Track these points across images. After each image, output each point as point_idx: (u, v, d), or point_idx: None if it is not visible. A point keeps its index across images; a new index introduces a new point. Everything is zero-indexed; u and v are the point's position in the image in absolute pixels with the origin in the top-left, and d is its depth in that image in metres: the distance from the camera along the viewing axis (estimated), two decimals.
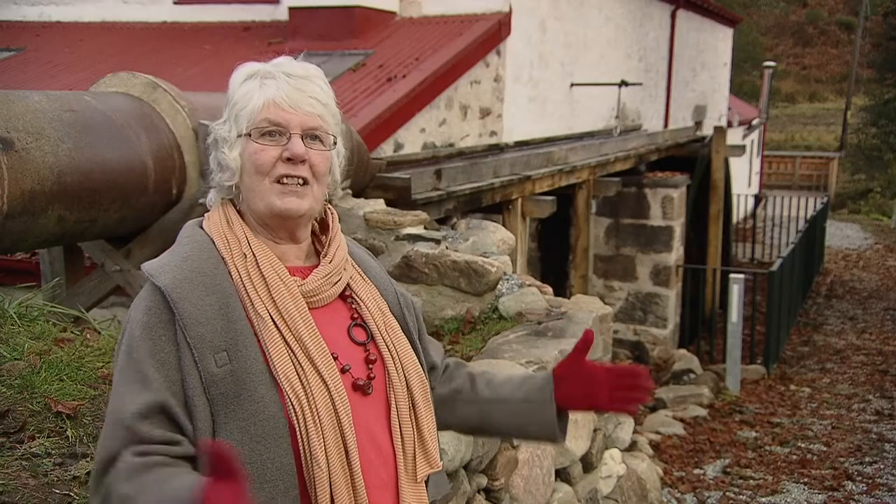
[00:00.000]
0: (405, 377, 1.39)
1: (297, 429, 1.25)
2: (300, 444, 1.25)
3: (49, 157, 3.14)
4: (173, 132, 3.85)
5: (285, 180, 1.32)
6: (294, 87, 1.33)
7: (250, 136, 1.33)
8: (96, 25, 10.47)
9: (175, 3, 10.20)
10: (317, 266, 1.40)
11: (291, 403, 1.25)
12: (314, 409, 1.26)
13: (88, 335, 2.92)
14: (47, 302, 3.21)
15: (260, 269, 1.32)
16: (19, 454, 1.99)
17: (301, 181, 1.33)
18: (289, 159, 1.32)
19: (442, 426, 1.58)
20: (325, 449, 1.25)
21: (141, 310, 1.28)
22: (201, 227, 1.38)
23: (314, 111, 1.34)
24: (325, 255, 1.41)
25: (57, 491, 1.86)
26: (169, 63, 8.51)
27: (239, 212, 1.39)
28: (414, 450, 1.37)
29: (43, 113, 3.24)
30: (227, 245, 1.34)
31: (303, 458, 1.25)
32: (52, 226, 3.22)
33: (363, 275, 1.47)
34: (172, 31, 9.95)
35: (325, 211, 1.46)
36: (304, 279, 1.36)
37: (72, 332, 2.91)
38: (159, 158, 3.74)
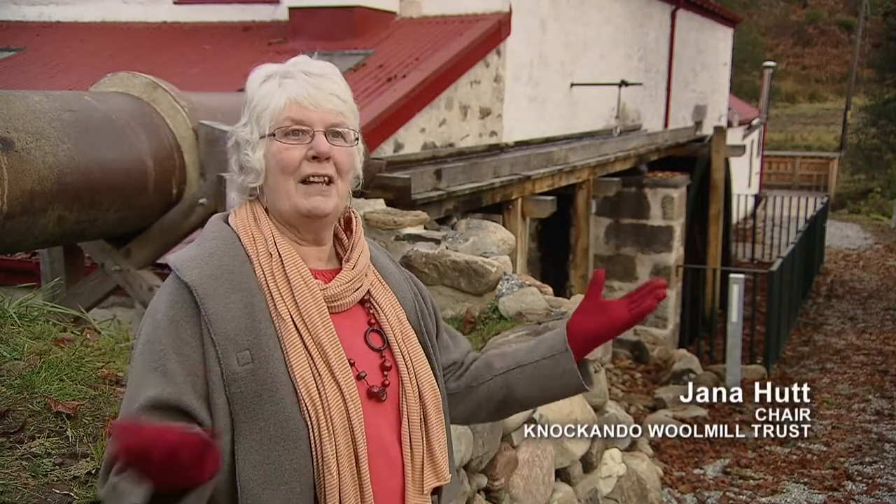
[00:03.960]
0: (418, 387, 1.38)
1: (311, 434, 1.25)
2: (312, 448, 1.25)
3: (49, 157, 3.14)
4: (173, 132, 3.85)
5: (312, 179, 1.33)
6: (314, 85, 1.34)
7: (274, 136, 1.33)
8: (96, 25, 10.47)
9: (175, 3, 10.20)
10: (338, 270, 1.40)
11: (306, 408, 1.25)
12: (328, 415, 1.26)
13: (88, 335, 2.91)
14: (47, 302, 3.20)
15: (284, 270, 1.32)
16: (19, 454, 1.98)
17: (326, 179, 1.34)
18: (314, 157, 1.32)
19: (471, 417, 1.59)
20: (336, 455, 1.25)
21: (166, 303, 1.28)
22: (227, 223, 1.38)
23: (335, 108, 1.35)
24: (349, 261, 1.41)
25: (57, 491, 1.86)
26: (169, 63, 8.51)
27: (265, 209, 1.38)
28: (423, 461, 1.36)
29: (43, 113, 3.24)
30: (254, 243, 1.34)
31: (314, 463, 1.25)
32: (52, 226, 3.23)
33: (383, 282, 1.46)
34: (172, 31, 9.95)
35: (350, 214, 1.46)
36: (326, 283, 1.36)
37: (72, 332, 2.90)
38: (159, 158, 3.74)
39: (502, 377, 1.55)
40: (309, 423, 1.25)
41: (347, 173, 1.37)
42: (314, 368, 1.28)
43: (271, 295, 1.30)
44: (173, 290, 1.29)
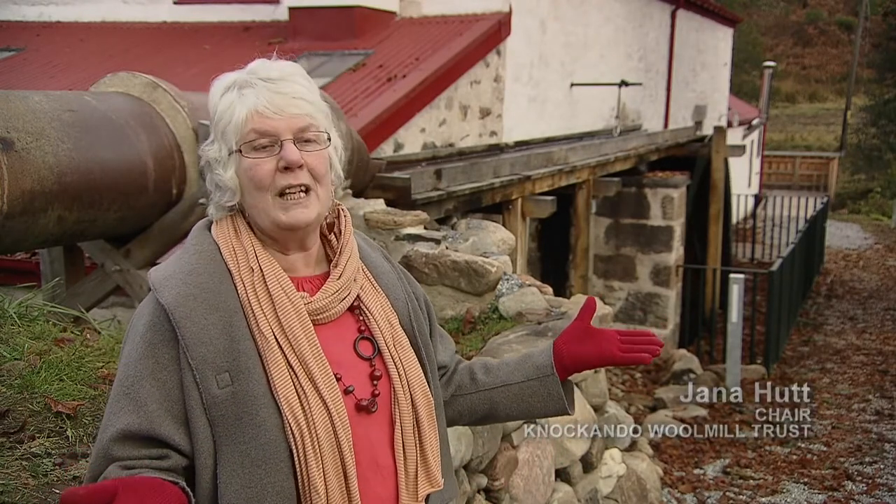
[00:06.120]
0: (410, 394, 1.35)
1: (296, 455, 1.23)
2: (298, 470, 1.23)
3: (49, 157, 3.14)
4: (173, 132, 3.85)
5: (288, 191, 1.28)
6: (274, 91, 1.27)
7: (241, 151, 1.28)
8: (96, 25, 10.48)
9: (175, 3, 10.20)
10: (327, 274, 1.37)
11: (291, 428, 1.22)
12: (314, 435, 1.23)
13: (88, 335, 2.92)
14: (47, 302, 3.20)
15: (266, 285, 1.28)
16: (19, 454, 1.98)
17: (303, 189, 1.29)
18: (286, 168, 1.27)
19: (451, 423, 1.58)
20: (324, 476, 1.23)
21: (144, 324, 1.26)
22: (210, 232, 1.35)
23: (300, 111, 1.28)
24: (336, 267, 1.37)
25: (57, 491, 1.86)
26: (169, 63, 8.51)
27: (246, 220, 1.35)
28: (416, 469, 1.34)
29: (43, 113, 3.24)
30: (235, 257, 1.30)
31: (300, 485, 1.23)
32: (52, 226, 3.22)
33: (375, 283, 1.42)
34: (172, 31, 9.96)
35: (339, 213, 1.41)
36: (312, 294, 1.32)
37: (72, 332, 2.91)
38: (159, 158, 3.74)
39: (487, 393, 1.56)
40: (293, 444, 1.23)
41: (325, 177, 1.32)
42: (298, 387, 1.24)
43: (253, 312, 1.26)
44: (151, 311, 1.26)
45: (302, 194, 1.29)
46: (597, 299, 1.62)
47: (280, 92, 1.28)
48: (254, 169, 1.27)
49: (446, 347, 1.58)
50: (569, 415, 1.58)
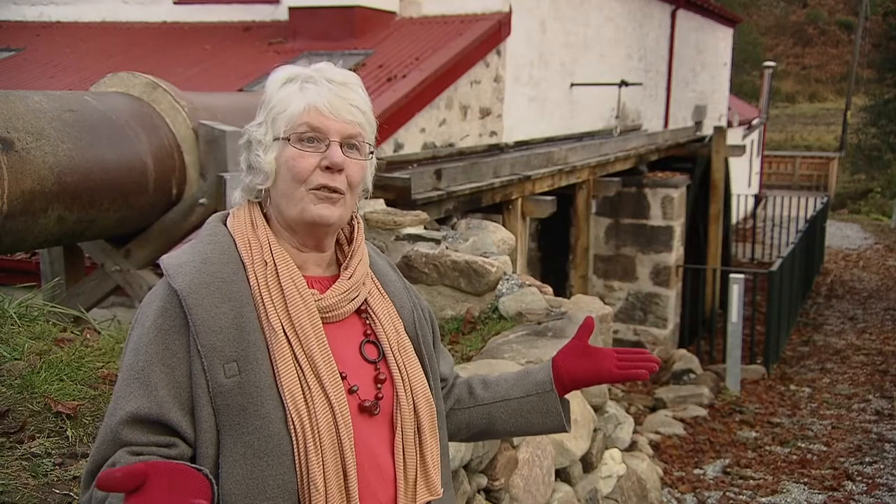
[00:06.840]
0: (413, 400, 1.36)
1: (296, 448, 1.23)
2: (298, 464, 1.23)
3: (49, 157, 3.14)
4: (173, 132, 3.85)
5: (322, 188, 1.31)
6: (335, 94, 1.32)
7: (288, 140, 1.31)
8: (96, 25, 10.47)
9: (175, 3, 10.20)
10: (337, 276, 1.38)
11: (293, 423, 1.23)
12: (316, 430, 1.24)
13: (88, 335, 2.92)
14: (47, 302, 3.21)
15: (279, 279, 1.30)
16: (19, 454, 1.99)
17: (335, 191, 1.31)
18: (327, 167, 1.30)
19: (449, 437, 1.57)
20: (323, 472, 1.23)
21: (155, 309, 1.26)
22: (225, 224, 1.36)
23: (354, 119, 1.33)
24: (346, 269, 1.39)
25: (57, 491, 1.86)
26: (169, 63, 8.51)
27: (265, 214, 1.36)
28: (416, 475, 1.35)
29: (43, 113, 3.24)
30: (249, 249, 1.32)
31: (299, 480, 1.24)
32: (52, 226, 3.23)
33: (382, 290, 1.44)
34: (172, 31, 9.95)
35: (352, 219, 1.43)
36: (322, 292, 1.34)
37: (72, 332, 2.91)
38: (159, 158, 3.74)
39: (485, 408, 1.57)
40: (294, 437, 1.23)
41: (357, 187, 1.35)
42: (304, 381, 1.26)
43: (263, 305, 1.28)
44: (163, 297, 1.27)
45: (333, 195, 1.32)
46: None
47: (341, 96, 1.32)
48: (297, 159, 1.30)
49: (446, 361, 1.60)
50: (566, 432, 1.59)
